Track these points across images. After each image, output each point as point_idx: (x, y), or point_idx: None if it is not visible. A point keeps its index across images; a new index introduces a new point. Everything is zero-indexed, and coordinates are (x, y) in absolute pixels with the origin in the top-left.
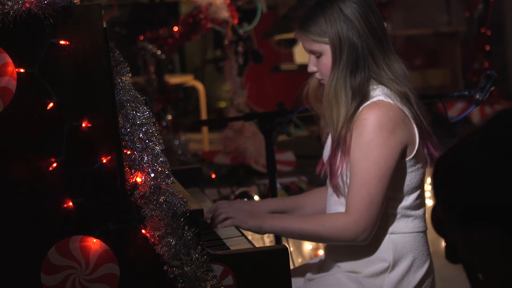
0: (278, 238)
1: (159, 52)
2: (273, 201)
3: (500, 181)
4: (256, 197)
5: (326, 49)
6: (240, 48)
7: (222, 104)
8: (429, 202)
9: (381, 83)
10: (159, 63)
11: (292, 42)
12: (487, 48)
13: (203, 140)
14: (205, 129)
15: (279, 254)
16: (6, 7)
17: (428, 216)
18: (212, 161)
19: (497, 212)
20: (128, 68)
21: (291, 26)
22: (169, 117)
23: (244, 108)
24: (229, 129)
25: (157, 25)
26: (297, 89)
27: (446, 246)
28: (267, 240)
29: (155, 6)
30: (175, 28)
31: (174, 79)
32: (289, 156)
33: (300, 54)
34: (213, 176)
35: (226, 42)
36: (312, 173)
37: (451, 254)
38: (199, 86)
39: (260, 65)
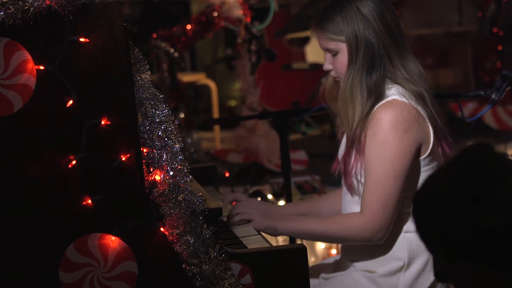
0: (292, 237)
1: (172, 50)
2: (289, 206)
3: (468, 219)
4: (270, 196)
5: (343, 47)
6: (253, 47)
7: (232, 103)
8: None
9: (396, 82)
10: (172, 61)
11: (304, 41)
12: (500, 48)
13: (215, 139)
14: (216, 127)
15: (297, 253)
16: (27, 4)
17: None
18: (224, 159)
19: (474, 247)
20: (147, 66)
21: (304, 25)
22: (181, 115)
23: (256, 107)
24: (241, 127)
25: (168, 23)
26: (309, 88)
27: (434, 267)
28: (280, 239)
29: (166, 4)
30: (188, 26)
31: (186, 77)
32: (301, 155)
33: (312, 53)
34: (227, 174)
35: (239, 40)
36: (325, 172)
37: (440, 276)
38: (211, 85)
39: (272, 64)
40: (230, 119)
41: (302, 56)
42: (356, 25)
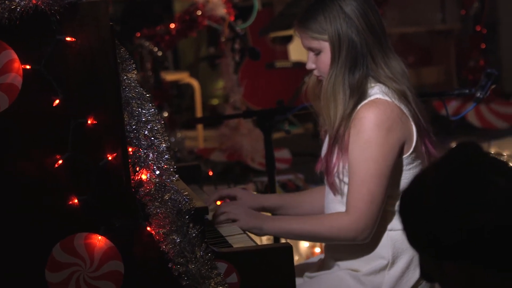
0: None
1: (155, 49)
2: (273, 196)
3: (455, 220)
4: None
5: (325, 46)
6: (236, 45)
7: (215, 102)
8: None
9: (379, 81)
10: (155, 60)
11: (287, 40)
12: (483, 46)
13: (198, 137)
14: (200, 126)
15: (283, 252)
16: (13, 3)
17: None
18: (208, 158)
19: (461, 247)
20: (134, 65)
21: (287, 24)
22: (165, 114)
23: (240, 106)
24: (225, 126)
25: (151, 22)
26: (292, 86)
27: (420, 266)
28: (264, 238)
29: (148, 3)
30: (172, 25)
31: (170, 76)
32: (285, 153)
33: (295, 52)
34: (211, 173)
35: (222, 39)
36: (308, 170)
37: (426, 276)
38: (195, 83)
39: (255, 63)
40: (213, 118)
41: (285, 55)
42: (339, 24)
